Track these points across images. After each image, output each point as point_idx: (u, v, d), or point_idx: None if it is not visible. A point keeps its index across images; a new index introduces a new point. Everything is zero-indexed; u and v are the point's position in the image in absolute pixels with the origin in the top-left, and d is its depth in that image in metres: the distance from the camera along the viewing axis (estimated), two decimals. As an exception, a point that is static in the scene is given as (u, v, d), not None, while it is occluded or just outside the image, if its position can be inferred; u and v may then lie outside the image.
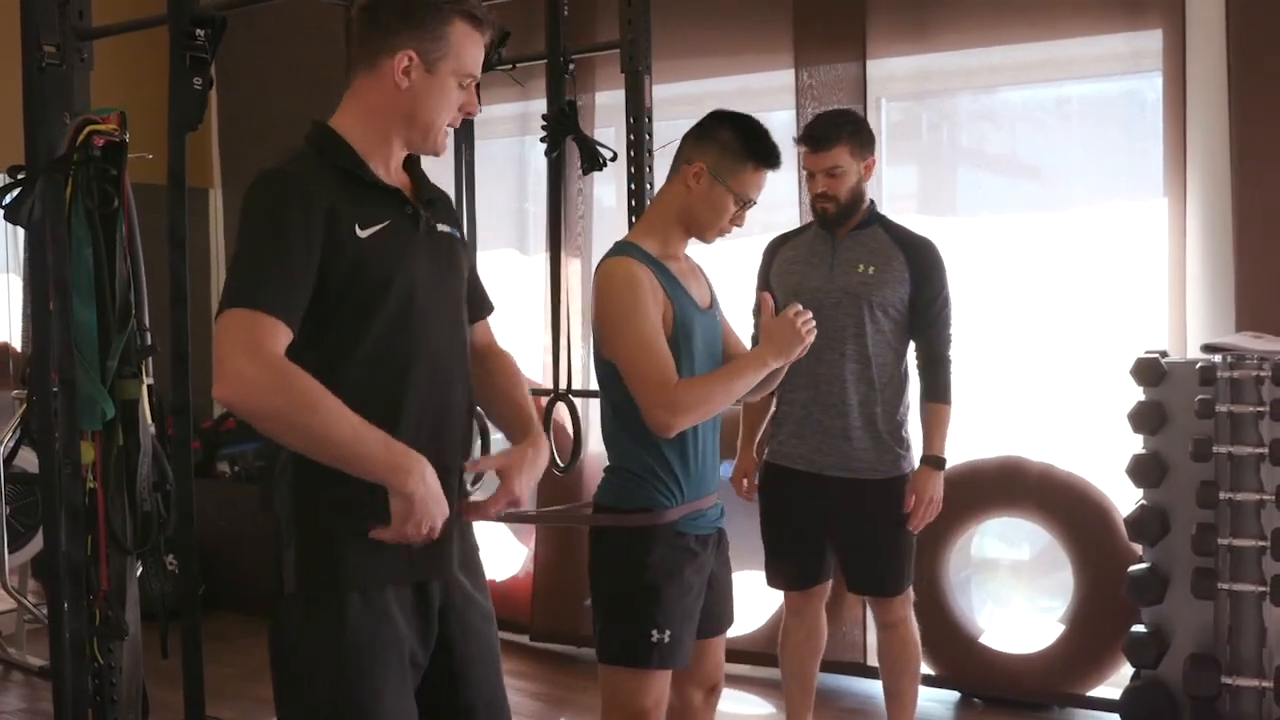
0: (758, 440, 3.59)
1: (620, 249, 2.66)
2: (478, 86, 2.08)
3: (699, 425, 2.64)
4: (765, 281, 3.51)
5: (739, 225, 2.67)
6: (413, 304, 1.96)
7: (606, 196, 5.15)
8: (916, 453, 3.41)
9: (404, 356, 1.96)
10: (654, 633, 2.58)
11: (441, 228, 2.07)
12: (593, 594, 2.76)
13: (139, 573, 3.25)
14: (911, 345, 3.42)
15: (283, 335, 1.84)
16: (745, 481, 3.61)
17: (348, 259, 1.89)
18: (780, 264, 3.49)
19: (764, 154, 2.61)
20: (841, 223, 3.36)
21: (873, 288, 3.31)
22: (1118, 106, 4.30)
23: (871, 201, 3.43)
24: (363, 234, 1.91)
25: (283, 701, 2.01)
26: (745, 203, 2.63)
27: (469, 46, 2.00)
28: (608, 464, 2.71)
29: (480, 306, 2.23)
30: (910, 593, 3.46)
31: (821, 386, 3.34)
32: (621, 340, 2.57)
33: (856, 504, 3.35)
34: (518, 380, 2.24)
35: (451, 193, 3.77)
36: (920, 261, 3.35)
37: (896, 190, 4.66)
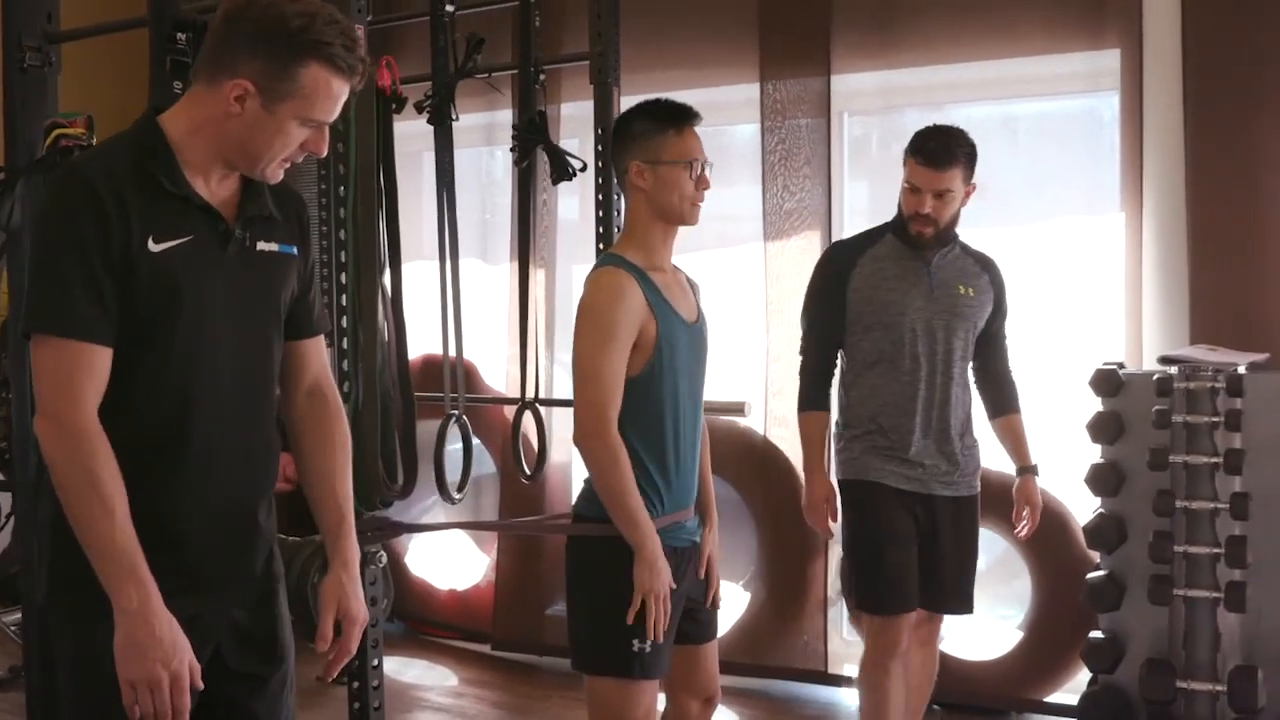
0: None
1: (608, 260, 2.69)
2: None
3: (681, 438, 2.68)
4: (840, 290, 3.30)
5: (706, 188, 2.68)
6: (204, 325, 1.86)
7: (568, 208, 5.18)
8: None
9: (192, 378, 1.87)
10: (635, 643, 2.59)
11: (264, 246, 1.94)
12: (571, 604, 2.76)
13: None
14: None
15: (102, 363, 1.78)
16: (829, 505, 3.39)
17: (137, 272, 1.80)
18: (865, 277, 3.28)
19: (675, 114, 2.67)
20: (933, 248, 3.26)
21: (975, 310, 3.29)
22: (1076, 124, 4.39)
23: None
24: (156, 248, 1.80)
25: (38, 710, 1.96)
26: (693, 164, 2.64)
27: (323, 93, 1.83)
28: (589, 475, 2.73)
29: (307, 324, 2.07)
30: None
31: (933, 413, 3.25)
32: (582, 355, 2.62)
33: (959, 521, 3.32)
34: (342, 459, 2.09)
35: (432, 200, 3.79)
36: (998, 280, 3.36)
37: (857, 205, 4.73)
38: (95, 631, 1.79)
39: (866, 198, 4.83)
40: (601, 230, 4.12)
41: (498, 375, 5.09)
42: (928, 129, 3.25)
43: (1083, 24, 4.13)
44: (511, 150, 3.89)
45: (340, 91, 1.86)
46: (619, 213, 4.13)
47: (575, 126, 4.79)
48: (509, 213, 5.10)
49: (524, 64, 3.90)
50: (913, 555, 3.27)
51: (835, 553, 4.50)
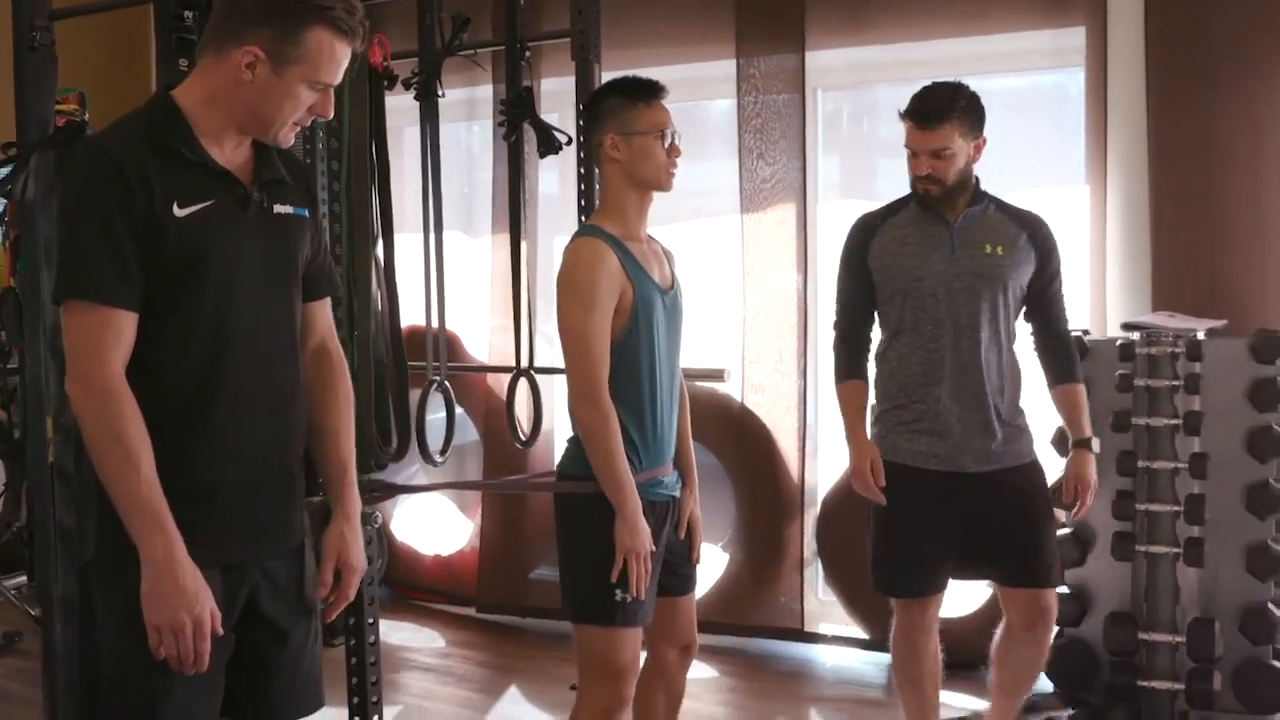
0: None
1: (586, 230, 2.82)
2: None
3: (658, 398, 2.81)
4: (861, 261, 3.24)
5: (679, 155, 2.80)
6: (230, 285, 1.96)
7: (548, 182, 5.28)
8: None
9: (220, 337, 1.95)
10: (617, 592, 2.72)
11: (280, 209, 2.04)
12: (560, 556, 2.89)
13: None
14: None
15: (128, 327, 1.89)
16: (871, 470, 3.22)
17: (163, 237, 1.89)
18: (884, 245, 3.20)
19: (645, 89, 2.81)
20: (948, 204, 3.14)
21: (1006, 269, 3.12)
22: (1043, 99, 4.52)
23: (977, 178, 3.20)
24: (180, 213, 1.90)
25: (83, 670, 2.04)
26: (664, 134, 2.78)
27: (327, 55, 1.94)
28: (571, 435, 2.86)
29: (318, 286, 2.18)
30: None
31: (962, 378, 3.12)
32: (569, 326, 2.74)
33: (1005, 496, 3.16)
34: (345, 414, 2.20)
35: (417, 174, 3.88)
36: (1041, 238, 3.19)
37: (830, 179, 4.86)
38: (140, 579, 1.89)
39: (839, 171, 4.96)
40: (584, 203, 4.21)
41: (480, 345, 5.20)
42: (921, 90, 3.16)
43: (1049, 2, 4.25)
44: (500, 125, 3.98)
45: (343, 54, 1.97)
46: (599, 185, 4.24)
47: (554, 101, 4.88)
48: (489, 186, 5.21)
49: (510, 40, 3.98)
50: (934, 541, 3.17)
51: (811, 515, 4.66)
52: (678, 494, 2.92)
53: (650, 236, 2.89)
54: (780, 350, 4.62)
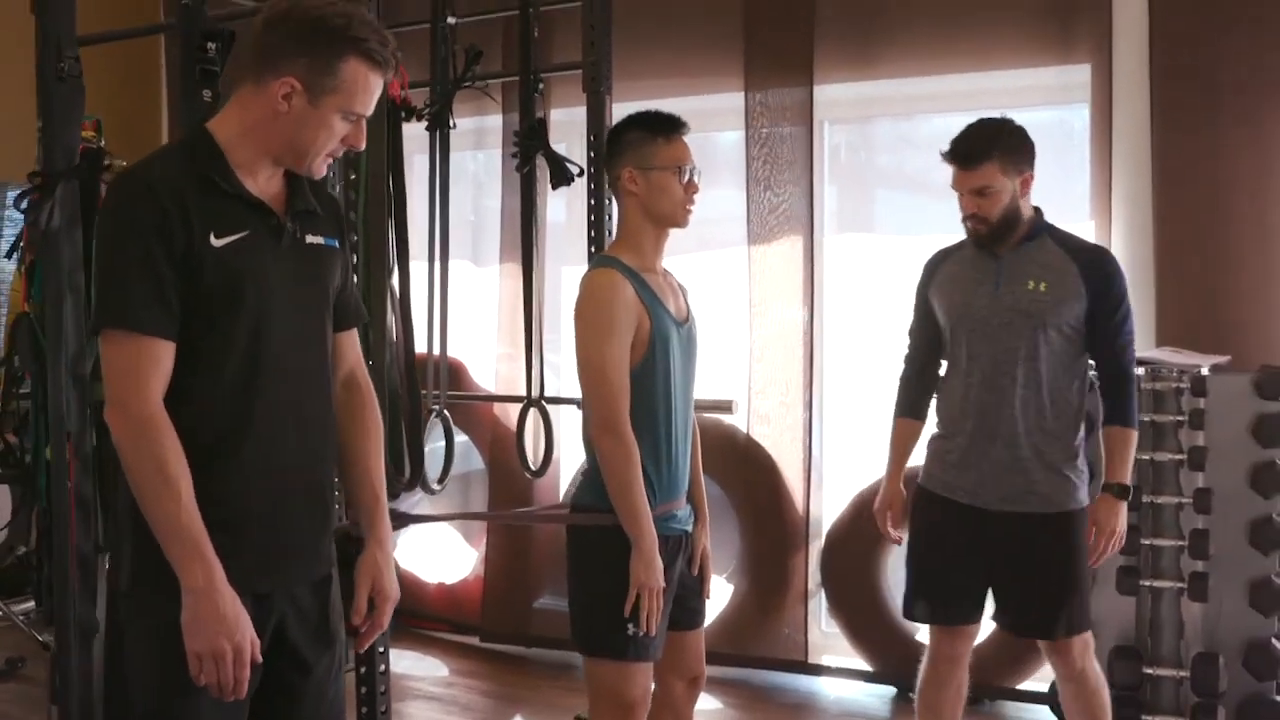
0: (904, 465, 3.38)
1: (602, 261, 2.84)
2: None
3: (673, 431, 2.82)
4: (924, 298, 3.28)
5: (697, 192, 2.83)
6: (266, 315, 1.97)
7: (555, 211, 5.31)
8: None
9: (255, 367, 1.97)
10: (630, 627, 2.72)
11: (312, 239, 2.07)
12: (571, 588, 2.90)
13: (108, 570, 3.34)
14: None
15: (166, 356, 1.90)
16: (890, 515, 3.33)
17: (201, 267, 1.91)
18: (941, 280, 3.23)
19: (665, 124, 2.82)
20: (998, 242, 3.10)
21: (1046, 306, 3.03)
22: (1048, 135, 4.54)
23: (1037, 210, 3.15)
24: (217, 243, 1.92)
25: (113, 700, 2.06)
26: (681, 170, 2.80)
27: (361, 86, 1.97)
28: (585, 466, 2.87)
29: (346, 316, 2.20)
30: (1089, 637, 3.17)
31: (990, 415, 3.07)
32: (588, 356, 2.75)
33: (1025, 541, 3.08)
34: (375, 442, 2.22)
35: (425, 202, 3.92)
36: (1095, 272, 3.07)
37: (837, 210, 4.90)
38: (175, 608, 1.89)
39: (846, 204, 5.00)
40: (593, 234, 4.25)
41: (486, 374, 5.22)
42: (963, 130, 3.13)
43: (1055, 40, 4.30)
44: (513, 156, 4.01)
45: (376, 85, 2.00)
46: (610, 216, 4.27)
47: (563, 132, 4.92)
48: (497, 215, 5.24)
49: (524, 72, 4.02)
50: (960, 573, 3.16)
51: (816, 546, 4.67)
52: (690, 528, 2.93)
53: (665, 270, 2.92)
54: (786, 382, 4.64)
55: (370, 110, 2.01)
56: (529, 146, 3.97)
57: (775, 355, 4.68)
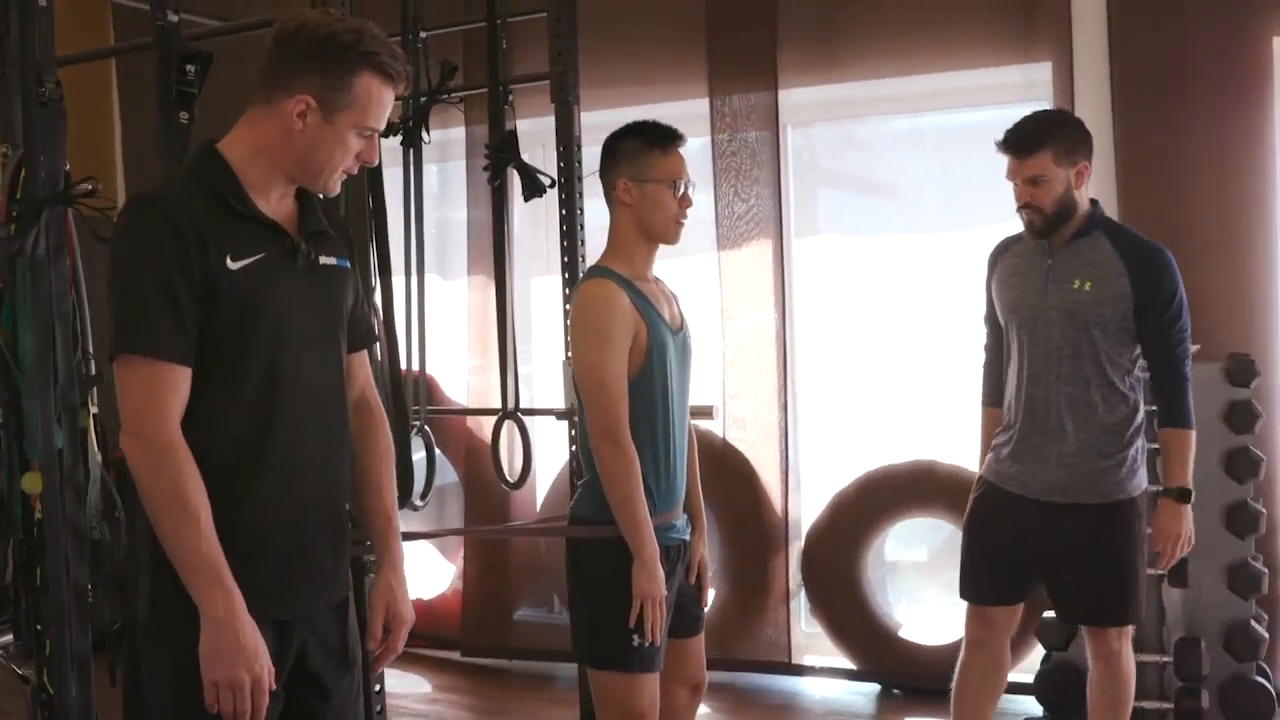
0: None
1: (596, 272, 2.84)
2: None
3: (672, 440, 2.82)
4: (989, 291, 3.31)
5: (689, 206, 2.83)
6: (282, 338, 1.95)
7: (518, 223, 5.29)
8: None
9: (271, 391, 1.95)
10: (634, 638, 2.72)
11: (325, 260, 2.04)
12: (573, 602, 2.89)
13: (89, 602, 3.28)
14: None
15: (183, 382, 1.88)
16: None
17: (217, 290, 1.89)
18: (1001, 273, 3.26)
19: (662, 136, 2.82)
20: (1053, 232, 3.11)
21: (1089, 306, 3.05)
22: (1011, 133, 4.62)
23: (1095, 204, 3.17)
24: (234, 266, 1.90)
25: None
26: (677, 184, 2.80)
27: (375, 100, 1.96)
28: (584, 478, 2.87)
29: (357, 337, 2.18)
30: (1130, 628, 3.22)
31: (1038, 410, 3.11)
32: (586, 366, 2.75)
33: (1072, 530, 3.12)
34: (388, 465, 2.21)
35: (399, 215, 3.90)
36: (1144, 272, 3.06)
37: (806, 213, 4.93)
38: (195, 638, 1.87)
39: (813, 206, 5.03)
40: (566, 244, 4.25)
41: (458, 388, 5.20)
42: (1019, 119, 3.16)
43: (1016, 39, 4.36)
44: (484, 169, 4.00)
45: (389, 99, 1.99)
46: (582, 227, 4.27)
47: (526, 143, 4.91)
48: (463, 228, 5.22)
49: (493, 84, 4.01)
50: (1002, 556, 3.21)
51: (795, 548, 4.70)
52: (688, 537, 2.93)
53: (657, 277, 2.92)
54: (760, 385, 4.66)
55: (383, 124, 1.99)
56: (500, 159, 3.96)
57: (748, 359, 4.70)
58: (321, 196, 2.08)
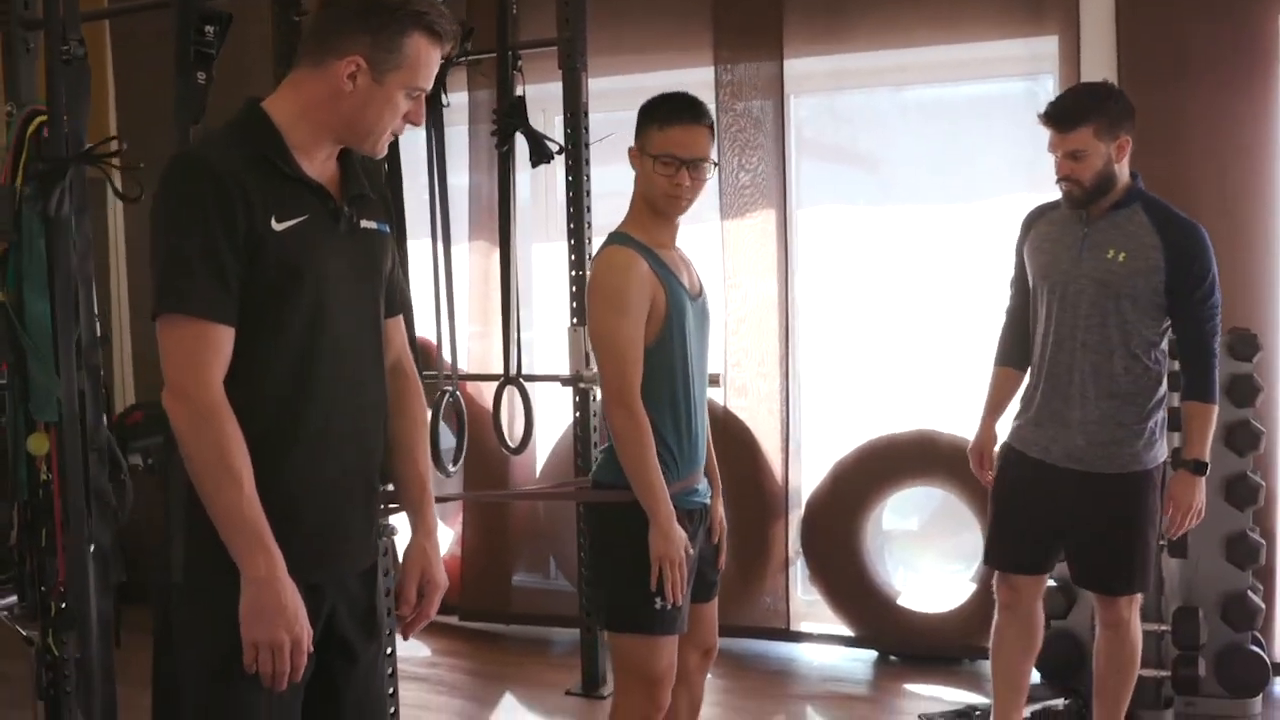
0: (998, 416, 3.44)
1: (615, 239, 2.84)
2: (430, 97, 2.08)
3: (692, 405, 2.84)
4: (1020, 254, 3.36)
5: (684, 184, 2.76)
6: (324, 302, 1.94)
7: (520, 188, 5.27)
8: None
9: (311, 354, 1.94)
10: (657, 600, 2.74)
11: (366, 224, 2.03)
12: (594, 566, 2.92)
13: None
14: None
15: (226, 342, 1.87)
16: (981, 456, 3.43)
17: (262, 251, 1.88)
18: (1034, 238, 3.29)
19: (665, 111, 2.79)
20: (1090, 204, 3.14)
21: (1121, 277, 3.10)
22: (1017, 105, 4.64)
23: (1135, 176, 3.19)
24: (279, 227, 1.89)
25: (162, 692, 2.02)
26: (668, 160, 2.74)
27: (424, 60, 1.95)
28: (608, 444, 2.88)
29: (394, 303, 2.18)
30: (1139, 597, 3.30)
31: (1061, 375, 3.17)
32: (602, 331, 2.77)
33: (1088, 498, 3.18)
34: (423, 432, 2.22)
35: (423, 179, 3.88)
36: (1178, 246, 3.10)
37: (809, 183, 4.93)
38: (231, 597, 1.87)
39: (817, 176, 5.03)
40: (572, 210, 4.26)
41: (459, 353, 5.17)
42: (1062, 92, 3.18)
43: (1023, 11, 4.36)
44: (492, 134, 3.99)
45: (437, 59, 1.98)
46: (589, 194, 4.27)
47: (530, 109, 4.89)
48: (464, 193, 5.20)
49: (501, 50, 4.00)
50: (1025, 522, 3.27)
51: (795, 516, 4.73)
52: (708, 501, 2.96)
53: (677, 247, 2.93)
54: (763, 354, 4.68)
55: (430, 85, 1.98)
56: (509, 125, 3.96)
57: (750, 328, 4.72)
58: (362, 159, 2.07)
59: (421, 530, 2.17)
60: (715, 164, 2.87)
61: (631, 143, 2.83)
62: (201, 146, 1.95)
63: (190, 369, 1.85)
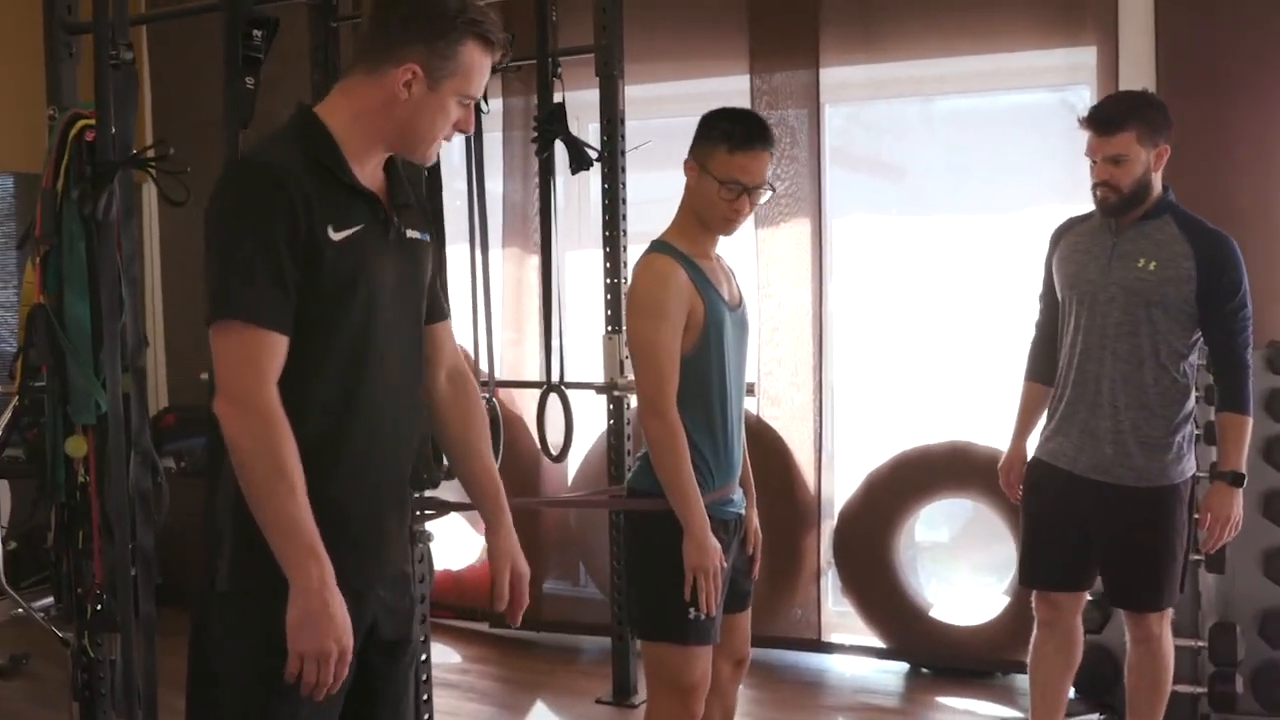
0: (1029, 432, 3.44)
1: (656, 247, 2.84)
2: (478, 105, 2.06)
3: (729, 414, 2.83)
4: (1049, 267, 3.35)
5: (740, 210, 2.77)
6: (373, 312, 1.95)
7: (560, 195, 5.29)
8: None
9: (360, 363, 1.95)
10: (691, 610, 2.74)
11: (411, 234, 2.04)
12: (630, 575, 2.92)
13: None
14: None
15: (282, 350, 1.87)
16: (1009, 473, 3.43)
17: (320, 260, 1.87)
18: (1063, 250, 3.29)
19: (737, 134, 2.74)
20: (1124, 213, 3.13)
21: (1152, 285, 3.08)
22: (1054, 116, 4.61)
23: (1166, 188, 3.18)
24: (335, 236, 1.89)
25: (198, 700, 2.01)
26: (731, 185, 2.73)
27: (477, 68, 1.97)
28: (643, 451, 2.88)
29: (438, 308, 2.19)
30: (1169, 612, 3.26)
31: (1089, 385, 3.15)
32: (639, 340, 2.77)
33: (1116, 511, 3.16)
34: (487, 434, 2.25)
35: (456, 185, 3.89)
36: (1209, 257, 3.07)
37: (843, 193, 4.93)
38: (278, 607, 1.86)
39: (852, 186, 5.02)
40: (608, 218, 4.26)
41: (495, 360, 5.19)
42: (1104, 97, 3.21)
43: (1061, 22, 4.33)
44: (532, 141, 4.00)
45: (488, 67, 2.00)
46: (624, 202, 4.27)
47: (568, 116, 4.90)
48: (499, 200, 5.21)
49: (541, 56, 4.01)
50: (1057, 537, 3.24)
51: (827, 526, 4.71)
52: (744, 511, 2.95)
53: (718, 255, 2.92)
54: (796, 363, 4.67)
55: (481, 92, 2.00)
56: (549, 132, 3.96)
57: (784, 337, 4.71)
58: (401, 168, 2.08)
59: (503, 527, 2.23)
60: (773, 189, 2.84)
61: (687, 155, 2.82)
62: (263, 151, 1.94)
63: (247, 376, 1.85)
